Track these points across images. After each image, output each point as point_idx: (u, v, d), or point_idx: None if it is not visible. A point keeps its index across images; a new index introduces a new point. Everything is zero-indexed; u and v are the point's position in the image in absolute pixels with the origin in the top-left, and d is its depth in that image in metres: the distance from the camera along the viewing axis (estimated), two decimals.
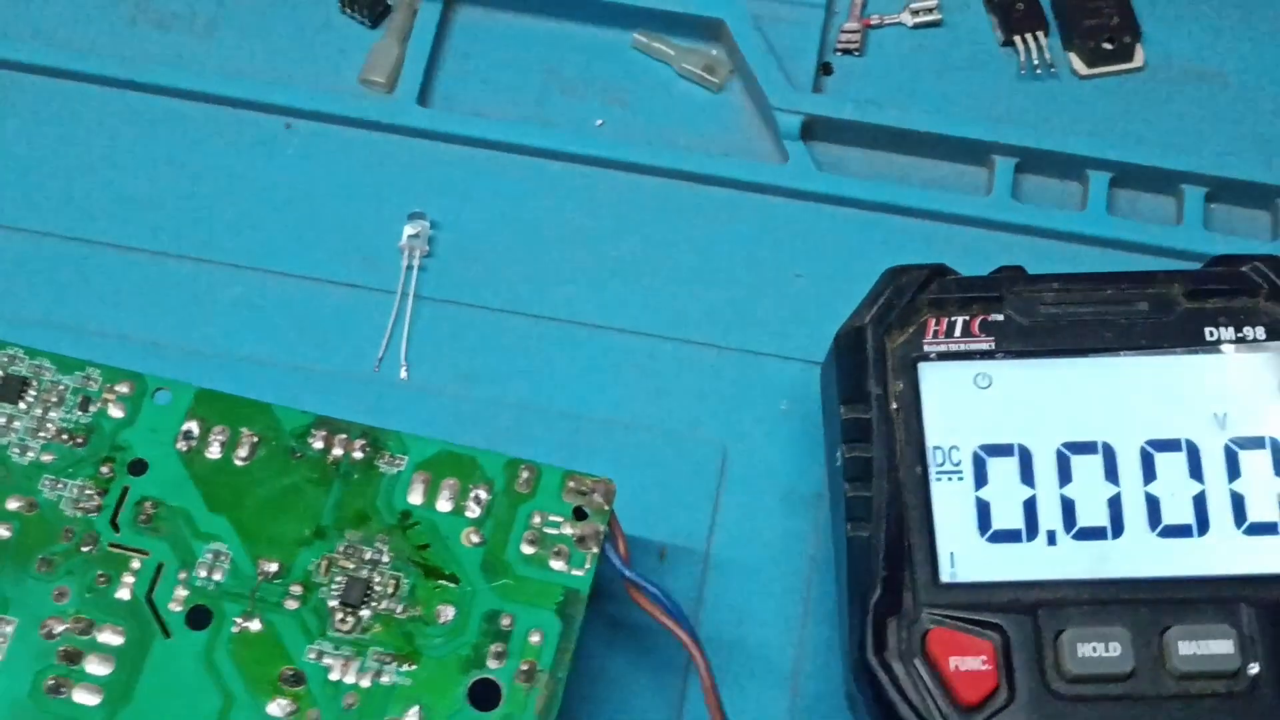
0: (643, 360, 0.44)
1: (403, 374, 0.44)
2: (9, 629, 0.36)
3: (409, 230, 0.45)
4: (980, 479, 0.37)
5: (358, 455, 0.38)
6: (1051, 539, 0.36)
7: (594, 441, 0.43)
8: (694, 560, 0.42)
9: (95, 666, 0.35)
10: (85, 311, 0.44)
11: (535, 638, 0.36)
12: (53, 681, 0.35)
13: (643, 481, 0.42)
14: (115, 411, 0.38)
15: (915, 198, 0.45)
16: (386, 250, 0.45)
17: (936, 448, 0.37)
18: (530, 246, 0.46)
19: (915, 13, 0.47)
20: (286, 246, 0.45)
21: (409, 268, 0.45)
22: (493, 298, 0.45)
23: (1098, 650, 0.35)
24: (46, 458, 0.37)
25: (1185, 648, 0.35)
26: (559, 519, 0.37)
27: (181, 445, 0.38)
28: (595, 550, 0.37)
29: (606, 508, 0.37)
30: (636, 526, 0.42)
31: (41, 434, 0.38)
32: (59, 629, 0.36)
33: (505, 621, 0.36)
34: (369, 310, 0.45)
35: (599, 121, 0.47)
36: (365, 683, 0.35)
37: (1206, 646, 0.35)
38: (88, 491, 0.37)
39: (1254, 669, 0.35)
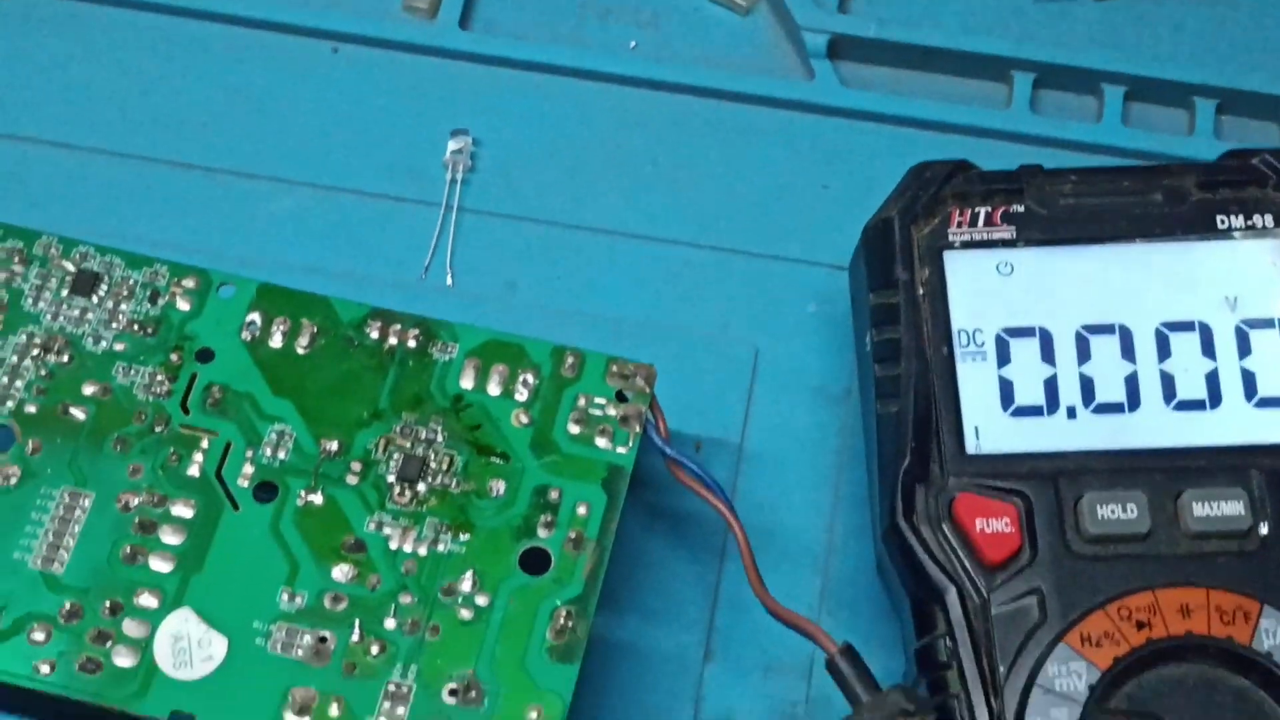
0: (677, 267, 0.46)
1: (448, 281, 0.46)
2: (87, 502, 0.38)
3: (452, 145, 0.47)
4: (1003, 359, 0.39)
5: (411, 344, 0.40)
6: (1071, 413, 0.38)
7: (632, 343, 0.45)
8: (729, 453, 0.44)
9: (169, 537, 0.38)
10: (145, 225, 0.46)
11: (582, 509, 0.38)
12: (129, 550, 0.37)
13: (679, 380, 0.44)
14: (182, 304, 0.40)
15: (938, 111, 0.47)
16: (431, 165, 0.47)
17: (961, 330, 0.39)
18: (568, 162, 0.48)
19: None
20: (336, 163, 0.47)
21: (453, 181, 0.47)
22: (533, 209, 0.47)
23: (1115, 512, 0.36)
24: (119, 347, 0.40)
25: (1199, 509, 0.36)
26: (603, 401, 0.39)
27: (245, 335, 0.40)
28: (638, 429, 0.39)
29: (648, 390, 0.39)
30: (673, 422, 0.43)
31: (114, 325, 0.40)
32: (134, 502, 0.38)
33: (554, 495, 0.38)
34: (415, 222, 0.47)
35: (632, 44, 0.49)
36: (423, 551, 0.38)
37: (1219, 508, 0.36)
38: (158, 378, 0.39)
39: (1264, 529, 0.36)
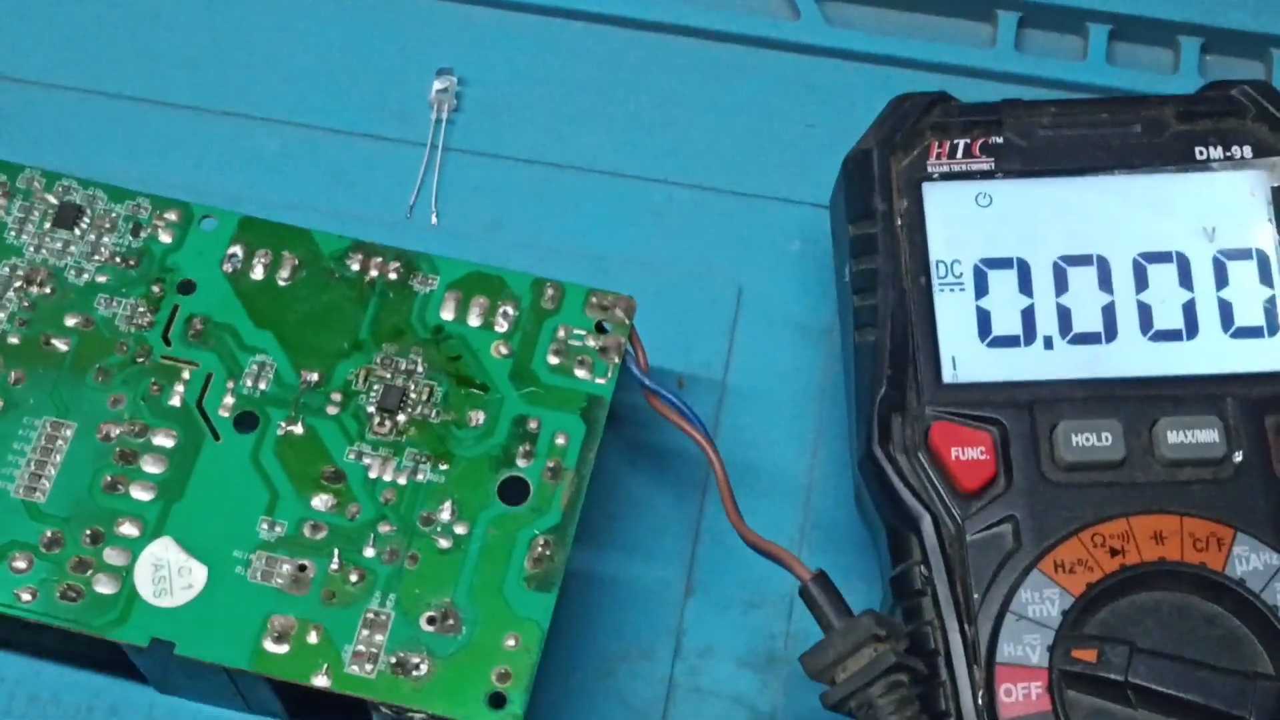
0: (661, 205, 0.46)
1: (433, 219, 0.46)
2: (69, 432, 0.38)
3: (437, 85, 0.47)
4: (981, 289, 0.39)
5: (392, 276, 0.40)
6: (1048, 343, 0.38)
7: (616, 281, 0.44)
8: (712, 389, 0.44)
9: (150, 466, 0.38)
10: (132, 164, 0.46)
11: (561, 439, 0.38)
12: (110, 479, 0.38)
13: (662, 317, 0.44)
14: (164, 237, 0.40)
15: (922, 50, 0.47)
16: (417, 105, 0.47)
17: (939, 261, 0.39)
18: (553, 101, 0.48)
19: None
20: (322, 102, 0.47)
21: (438, 120, 0.47)
22: (518, 149, 0.47)
23: (1090, 440, 0.37)
24: (101, 279, 0.40)
25: (1173, 437, 0.37)
26: (582, 332, 0.39)
27: (227, 267, 0.40)
28: (617, 360, 0.39)
29: (627, 322, 0.39)
30: (657, 358, 0.43)
31: (96, 257, 0.40)
32: (115, 432, 0.38)
33: (533, 425, 0.38)
34: (401, 161, 0.47)
35: None
36: (402, 480, 0.38)
37: (1193, 436, 0.37)
38: (140, 309, 0.39)
39: (1238, 457, 0.37)
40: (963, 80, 0.47)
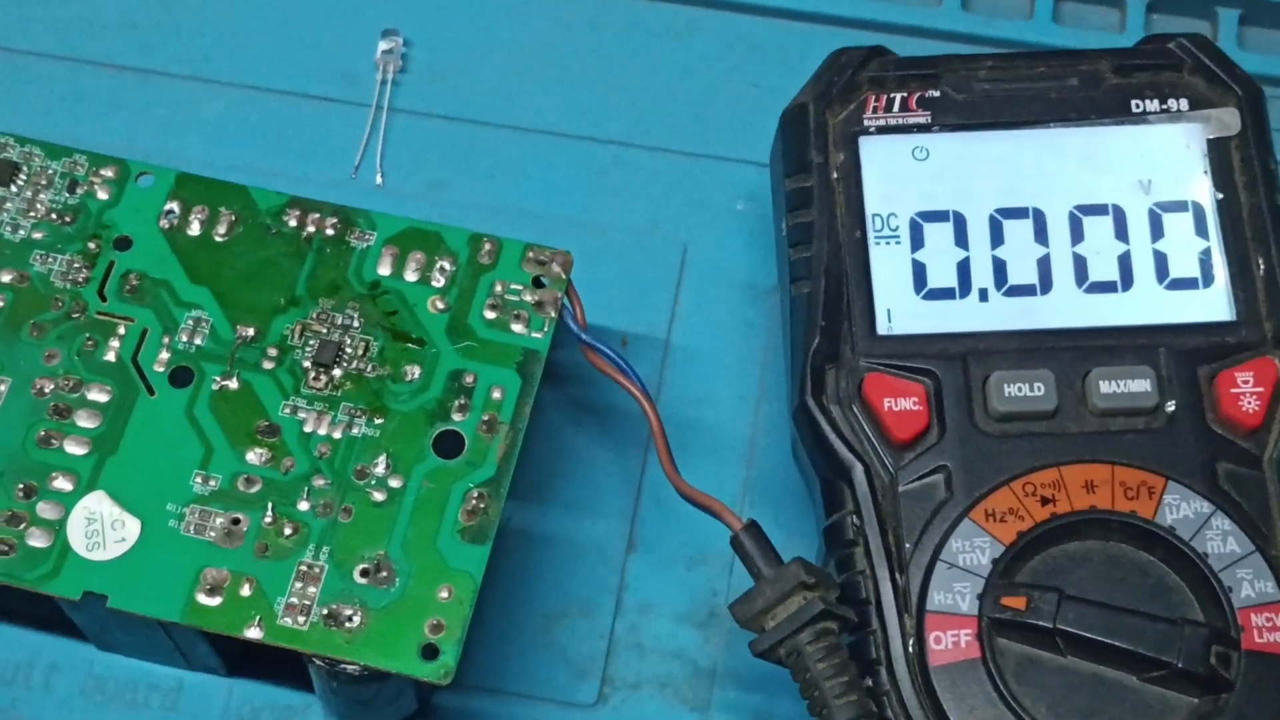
0: (606, 165, 0.46)
1: (378, 180, 0.46)
2: (3, 387, 0.38)
3: (383, 46, 0.47)
4: (917, 243, 0.39)
5: (329, 232, 0.40)
6: (983, 296, 0.38)
7: (560, 241, 0.44)
8: (655, 348, 0.44)
9: (84, 420, 0.38)
10: (74, 127, 0.46)
11: (496, 393, 0.38)
12: (44, 434, 0.38)
13: (606, 276, 0.44)
14: (101, 194, 0.40)
15: (868, 9, 0.47)
16: (362, 66, 0.47)
17: (875, 214, 0.39)
18: (498, 62, 0.48)
19: None
20: (266, 63, 0.47)
21: (383, 82, 0.47)
22: (463, 110, 0.47)
23: (1023, 390, 0.37)
24: (37, 235, 0.40)
25: (1106, 386, 0.37)
26: (519, 287, 0.39)
27: (164, 223, 0.40)
28: (553, 315, 0.39)
29: (564, 276, 0.39)
30: (601, 317, 0.44)
31: (32, 214, 0.40)
32: (49, 387, 0.38)
33: (468, 379, 0.38)
34: (346, 122, 0.47)
35: None
36: (337, 434, 0.38)
37: (1126, 385, 0.37)
38: (76, 265, 0.39)
39: (1171, 406, 0.37)
40: (909, 39, 0.47)
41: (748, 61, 0.47)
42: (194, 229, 0.40)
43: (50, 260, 0.39)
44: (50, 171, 0.40)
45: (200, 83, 0.47)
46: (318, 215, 0.40)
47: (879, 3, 0.48)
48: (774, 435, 0.43)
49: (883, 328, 0.38)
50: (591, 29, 0.48)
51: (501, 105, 0.47)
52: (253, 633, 0.35)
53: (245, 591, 0.36)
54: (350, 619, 0.36)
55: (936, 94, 0.40)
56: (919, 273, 0.38)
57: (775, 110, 0.44)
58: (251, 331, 0.39)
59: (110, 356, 0.38)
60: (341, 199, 0.42)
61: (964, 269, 0.38)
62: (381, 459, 0.37)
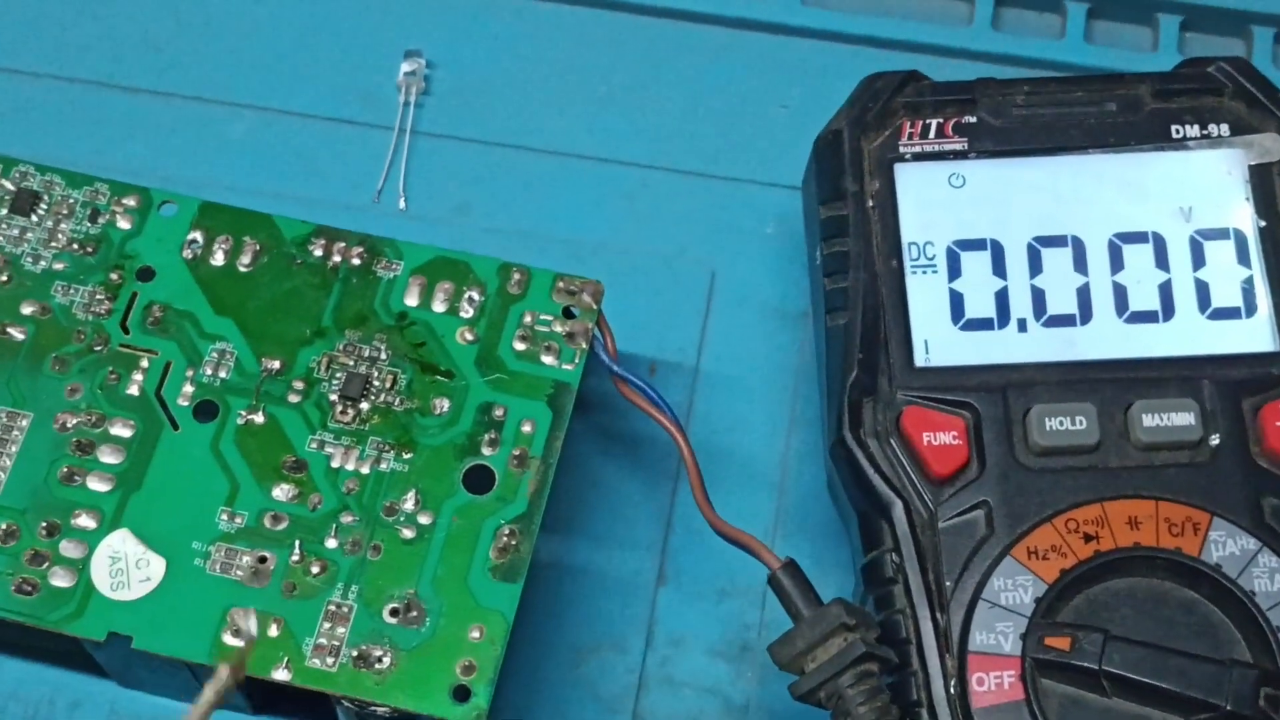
0: (633, 189, 0.46)
1: (401, 204, 0.45)
2: (25, 423, 0.37)
3: (405, 67, 0.46)
4: (954, 272, 0.38)
5: (356, 261, 0.39)
6: (1022, 326, 0.38)
7: (587, 266, 0.44)
8: (684, 375, 0.43)
9: (107, 456, 0.37)
10: (95, 152, 0.46)
11: (527, 427, 0.37)
12: (67, 470, 0.37)
13: (634, 302, 0.44)
14: (123, 223, 0.40)
15: (898, 29, 0.47)
16: (384, 88, 0.47)
17: (912, 243, 0.38)
18: (523, 83, 0.47)
19: None
20: (288, 86, 0.47)
21: (406, 104, 0.46)
22: (488, 132, 0.46)
23: (1064, 424, 0.36)
24: (58, 266, 0.39)
25: (1149, 420, 0.36)
26: (549, 318, 0.39)
27: (187, 254, 0.39)
28: (584, 346, 0.38)
29: (595, 307, 0.39)
30: (629, 344, 0.43)
31: (53, 244, 0.39)
32: (72, 422, 0.37)
33: (498, 412, 0.38)
34: (368, 145, 0.46)
35: None
36: (365, 469, 0.37)
37: (1169, 419, 0.36)
38: (98, 297, 0.39)
39: (1215, 440, 0.36)
40: (939, 60, 0.47)
41: (776, 82, 0.47)
42: (218, 259, 0.39)
43: (72, 292, 0.39)
44: (71, 200, 0.40)
45: (221, 105, 0.46)
46: (344, 244, 0.39)
47: (908, 22, 0.47)
48: (806, 463, 0.42)
49: (920, 359, 0.37)
50: (618, 50, 0.47)
51: (526, 127, 0.46)
52: (281, 674, 0.35)
53: (273, 632, 0.35)
54: (380, 660, 0.35)
55: (973, 120, 0.39)
56: (956, 303, 0.38)
57: (804, 132, 0.43)
58: (277, 364, 0.38)
59: (134, 390, 0.38)
60: (364, 223, 0.41)
61: (1002, 299, 0.38)
62: (411, 495, 0.37)
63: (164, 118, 0.46)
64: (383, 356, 0.38)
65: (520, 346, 0.38)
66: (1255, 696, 0.33)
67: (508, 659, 0.37)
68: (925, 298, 0.38)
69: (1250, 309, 0.37)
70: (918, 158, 0.39)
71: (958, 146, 0.39)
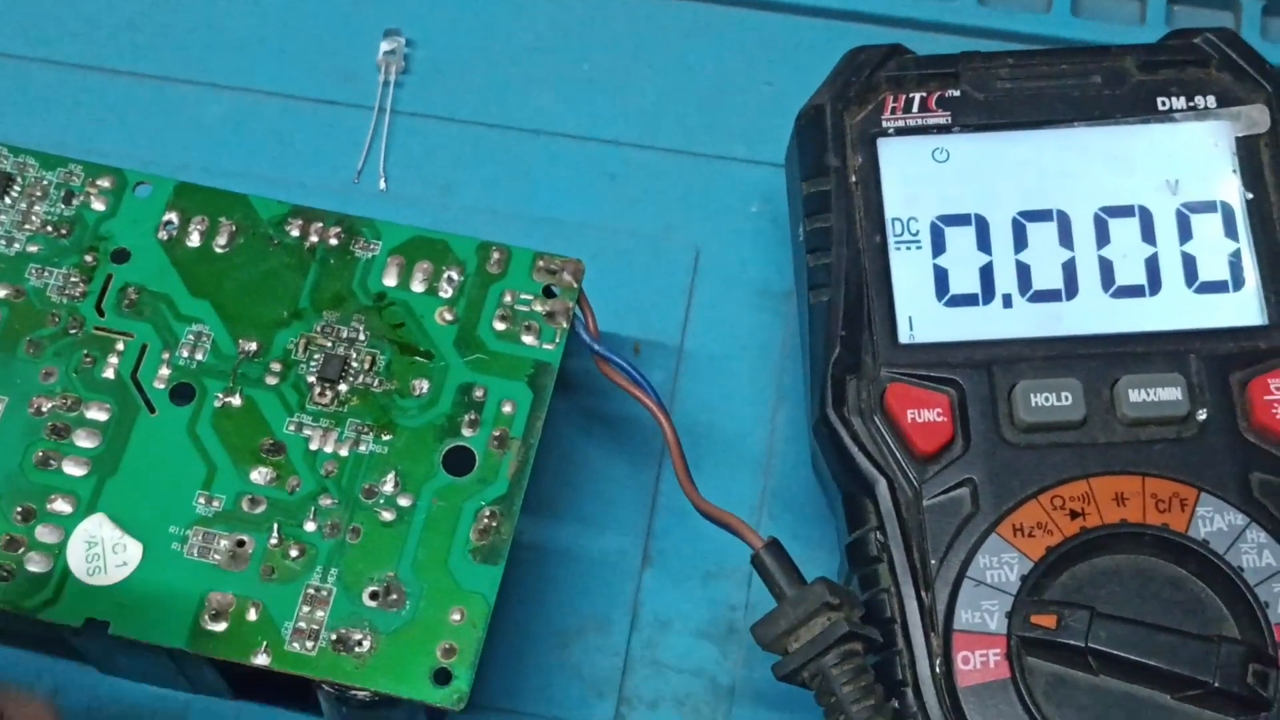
0: (617, 167, 0.45)
1: (381, 185, 0.45)
2: None
3: (385, 46, 0.46)
4: (938, 247, 0.38)
5: (333, 241, 0.39)
6: (1007, 301, 0.37)
7: (570, 246, 0.43)
8: (668, 354, 0.43)
9: (83, 440, 0.37)
10: (68, 134, 0.45)
11: (507, 407, 0.37)
12: (42, 454, 0.36)
13: (617, 282, 0.43)
14: (97, 205, 0.39)
15: (882, 4, 0.46)
16: (364, 68, 0.46)
17: (895, 219, 0.38)
18: (504, 62, 0.46)
19: None
20: (266, 67, 0.46)
21: (385, 83, 0.46)
22: (468, 111, 0.46)
23: (1050, 400, 0.36)
24: (32, 248, 0.39)
25: (1135, 395, 0.35)
26: (529, 297, 0.38)
27: (162, 235, 0.39)
28: (565, 325, 0.38)
29: (575, 285, 0.38)
30: (613, 324, 0.43)
31: (27, 226, 0.39)
32: (47, 406, 0.37)
33: (478, 393, 0.37)
34: (348, 126, 0.46)
35: None
36: (344, 452, 0.37)
37: (1156, 394, 0.35)
38: (73, 279, 0.38)
39: (1202, 415, 0.35)
40: (924, 35, 0.46)
41: (760, 59, 0.46)
42: (194, 240, 0.39)
43: (46, 274, 0.38)
44: (45, 182, 0.39)
45: (197, 86, 0.46)
46: (321, 225, 0.39)
47: None
48: (792, 443, 0.42)
49: (904, 336, 0.37)
50: (599, 27, 0.47)
51: (507, 106, 0.46)
52: (260, 659, 0.34)
53: (251, 616, 0.35)
54: (360, 643, 0.35)
55: (956, 93, 0.39)
56: (941, 279, 0.37)
57: (789, 109, 0.43)
58: (254, 346, 0.38)
59: (109, 373, 0.37)
60: (344, 204, 0.41)
61: (987, 274, 0.37)
62: (390, 477, 0.36)
63: (139, 100, 0.46)
64: (361, 337, 0.38)
65: (500, 326, 0.38)
66: (1243, 672, 0.33)
67: (491, 643, 0.37)
68: (909, 274, 0.37)
69: (1238, 282, 0.37)
70: (901, 132, 0.38)
71: (941, 121, 0.38)
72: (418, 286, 0.38)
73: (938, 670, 0.34)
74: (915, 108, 0.38)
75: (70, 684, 0.39)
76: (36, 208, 0.39)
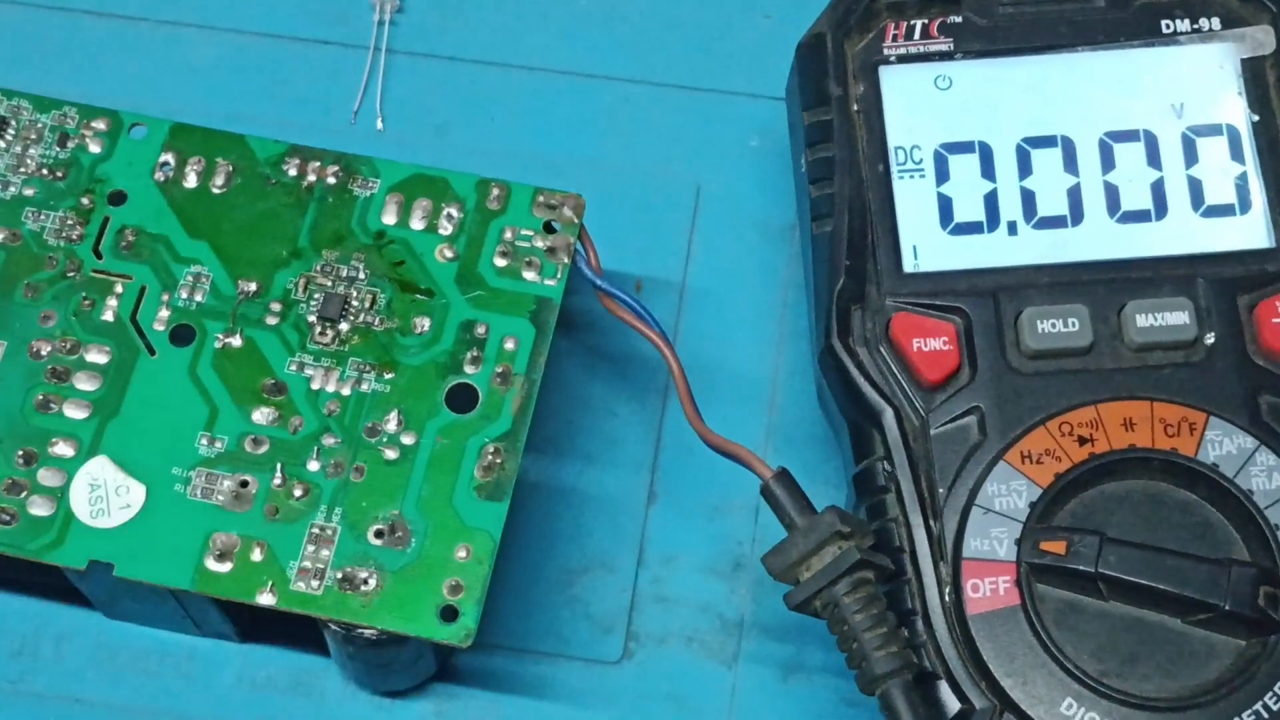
0: (615, 104, 0.45)
1: (379, 125, 0.44)
2: None
3: None
4: (942, 175, 0.37)
5: (331, 180, 0.39)
6: (1012, 229, 0.37)
7: (570, 184, 0.43)
8: (671, 291, 0.43)
9: (83, 383, 0.36)
10: (57, 79, 0.45)
11: (510, 344, 0.37)
12: (42, 398, 0.36)
13: (618, 219, 0.43)
14: (93, 147, 0.39)
15: None
16: (357, 6, 0.46)
17: (898, 147, 0.38)
18: None
19: None
20: (258, 7, 0.46)
21: (380, 22, 0.45)
22: (465, 49, 0.45)
23: (1056, 326, 0.35)
24: (28, 191, 0.38)
25: (1143, 320, 0.35)
26: (530, 233, 0.38)
27: (159, 176, 0.39)
28: (566, 260, 0.38)
29: (576, 221, 0.38)
30: (614, 261, 0.42)
31: (22, 170, 0.38)
32: (46, 349, 0.37)
33: (480, 330, 0.37)
34: (344, 66, 0.45)
35: None
36: (346, 391, 0.36)
37: (1163, 318, 0.35)
38: (69, 222, 0.38)
39: (1210, 339, 0.35)
40: None
41: None
42: (190, 181, 0.38)
43: (43, 218, 0.38)
44: (40, 125, 0.39)
45: (189, 28, 0.46)
46: (318, 163, 0.39)
47: None
48: (797, 377, 0.42)
49: (909, 265, 0.36)
50: None
51: (504, 44, 0.45)
52: (265, 599, 0.34)
53: (256, 556, 0.35)
54: (365, 582, 0.34)
55: (958, 19, 0.38)
56: (945, 207, 0.37)
57: (788, 42, 0.42)
58: (254, 286, 0.37)
59: (108, 316, 0.37)
60: (342, 146, 0.40)
61: (991, 201, 0.37)
62: (393, 415, 0.36)
63: (132, 42, 0.45)
64: (361, 276, 0.37)
65: (501, 263, 0.38)
66: (1254, 595, 0.33)
67: (498, 581, 0.37)
68: (913, 202, 0.37)
69: (1245, 205, 0.37)
70: (903, 60, 0.38)
71: (943, 47, 0.38)
72: (417, 224, 0.38)
73: (947, 599, 0.34)
74: (917, 34, 0.38)
75: (77, 629, 0.39)
76: (31, 150, 0.39)
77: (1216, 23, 0.38)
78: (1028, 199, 0.37)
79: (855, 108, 0.38)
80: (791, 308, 0.42)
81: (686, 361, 0.39)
